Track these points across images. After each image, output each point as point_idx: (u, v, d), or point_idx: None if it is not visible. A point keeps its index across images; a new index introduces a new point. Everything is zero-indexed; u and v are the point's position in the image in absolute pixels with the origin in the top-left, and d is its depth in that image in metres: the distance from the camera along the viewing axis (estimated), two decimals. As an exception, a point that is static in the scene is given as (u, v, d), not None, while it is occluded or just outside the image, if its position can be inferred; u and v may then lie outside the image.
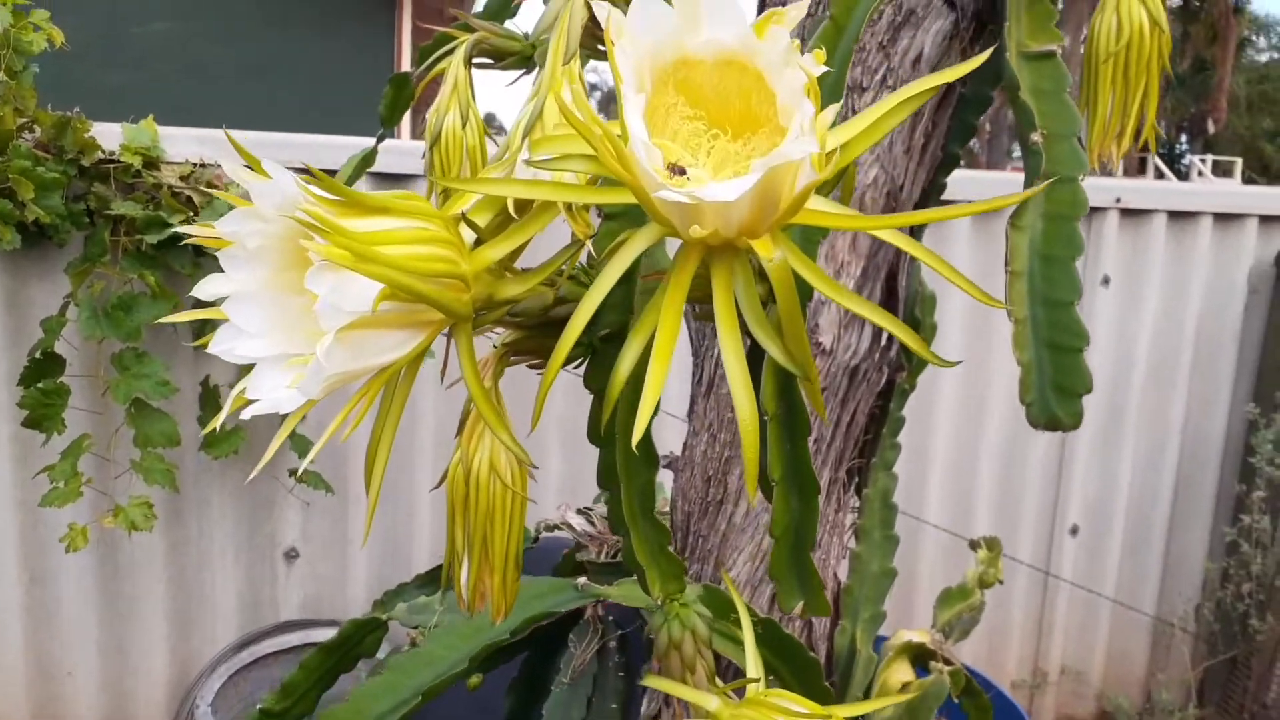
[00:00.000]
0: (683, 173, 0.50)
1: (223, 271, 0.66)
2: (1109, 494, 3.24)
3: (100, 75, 5.89)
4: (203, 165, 2.38)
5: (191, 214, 2.29)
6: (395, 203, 0.67)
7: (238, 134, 2.57)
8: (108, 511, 2.24)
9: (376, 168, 1.97)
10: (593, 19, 0.82)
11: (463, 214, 0.74)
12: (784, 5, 0.49)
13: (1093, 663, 3.34)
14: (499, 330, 0.90)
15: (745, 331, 0.75)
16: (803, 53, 0.48)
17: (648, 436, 0.93)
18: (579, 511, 1.82)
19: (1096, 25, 1.06)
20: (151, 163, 2.30)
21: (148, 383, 2.21)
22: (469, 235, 0.77)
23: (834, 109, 0.46)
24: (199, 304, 0.71)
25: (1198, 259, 3.15)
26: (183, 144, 2.41)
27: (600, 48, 0.86)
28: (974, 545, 2.00)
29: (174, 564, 2.74)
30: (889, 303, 1.27)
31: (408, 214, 0.67)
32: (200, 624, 2.78)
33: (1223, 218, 3.14)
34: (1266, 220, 3.15)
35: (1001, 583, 1.82)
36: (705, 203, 0.46)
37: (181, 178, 2.34)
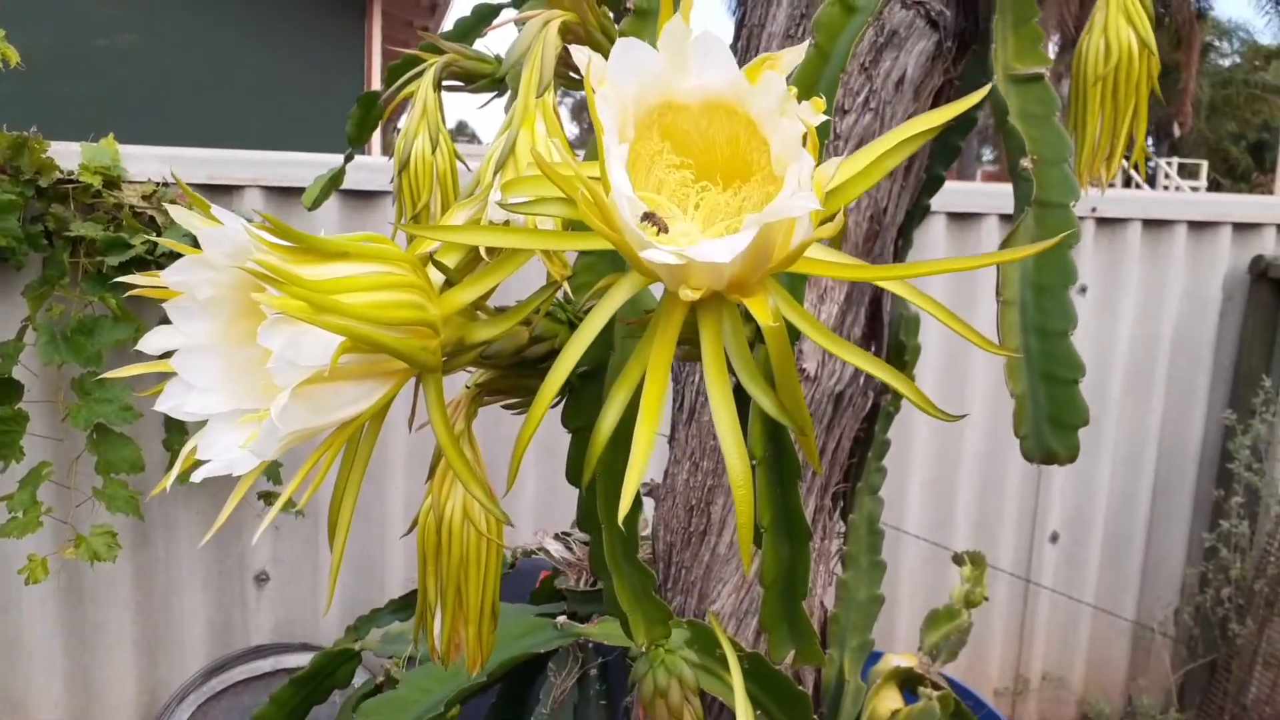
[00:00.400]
0: (665, 229, 0.46)
1: (171, 321, 0.61)
2: (1088, 500, 3.24)
3: (61, 89, 5.77)
4: (165, 184, 2.32)
5: (154, 234, 2.22)
6: (356, 246, 0.62)
7: (202, 152, 2.51)
8: (69, 542, 2.17)
9: (346, 184, 1.93)
10: (567, 48, 0.78)
11: (430, 255, 0.70)
12: (771, 49, 0.45)
13: (1074, 668, 3.33)
14: (471, 368, 0.85)
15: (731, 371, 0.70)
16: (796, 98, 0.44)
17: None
18: (556, 537, 1.77)
19: (1084, 47, 1.03)
20: (112, 182, 2.23)
21: (110, 408, 2.14)
22: (437, 276, 0.73)
23: (835, 162, 0.43)
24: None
25: (1173, 267, 3.16)
26: (145, 162, 2.35)
27: (574, 75, 0.82)
28: (958, 560, 1.98)
29: (140, 589, 2.66)
30: (873, 326, 1.24)
31: (370, 258, 0.63)
32: (168, 650, 2.71)
33: (1197, 226, 3.14)
34: (1240, 228, 3.16)
35: (987, 599, 1.79)
36: (697, 262, 0.43)
37: (144, 197, 2.27)
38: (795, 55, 0.43)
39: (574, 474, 0.89)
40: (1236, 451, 2.99)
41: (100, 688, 2.67)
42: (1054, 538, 3.24)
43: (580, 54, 0.44)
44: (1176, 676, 3.19)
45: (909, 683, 1.47)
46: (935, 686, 1.43)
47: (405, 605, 1.95)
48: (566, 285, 0.70)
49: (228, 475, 0.61)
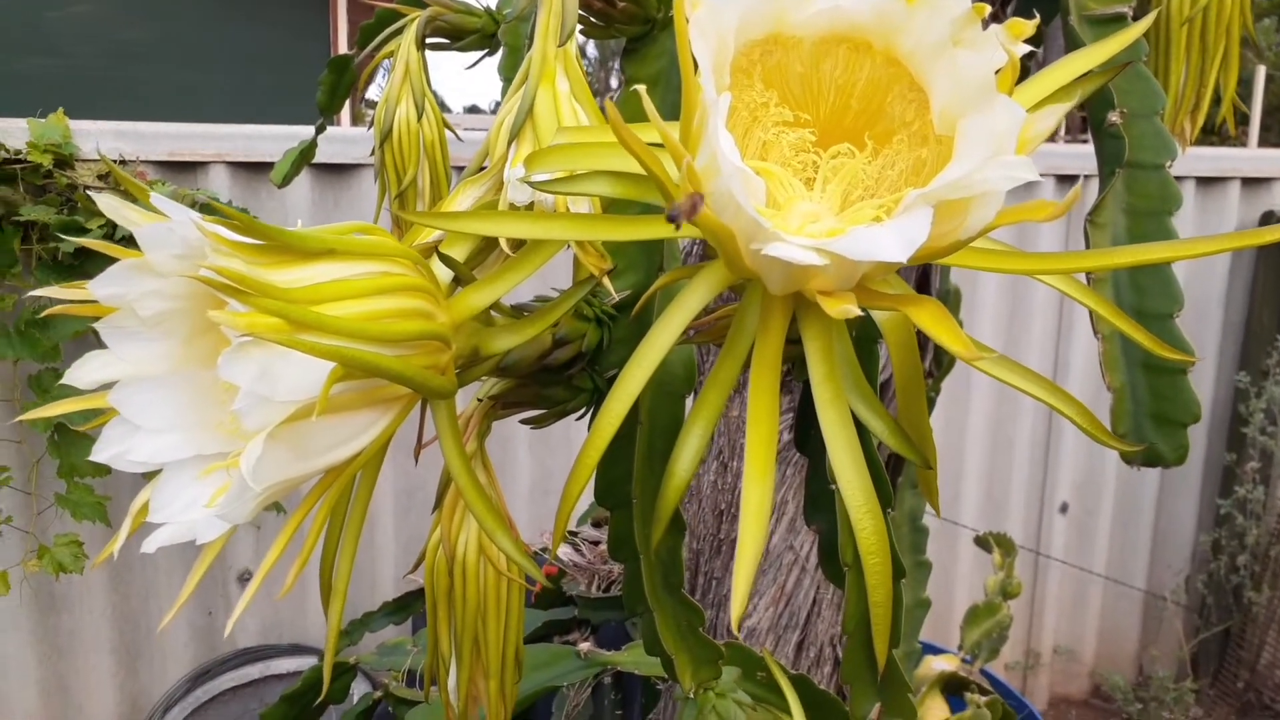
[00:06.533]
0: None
1: (108, 346, 0.48)
2: (1097, 468, 3.15)
3: (10, 64, 5.51)
4: (123, 162, 2.15)
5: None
6: (343, 240, 0.49)
7: (161, 127, 2.31)
8: (31, 553, 2.02)
9: (317, 158, 1.78)
10: (590, -17, 0.64)
11: (434, 246, 0.56)
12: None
13: (1085, 640, 3.26)
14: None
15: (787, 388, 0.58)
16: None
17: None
18: (563, 538, 1.66)
19: (1168, -21, 0.90)
20: (64, 161, 2.06)
21: (72, 406, 1.99)
22: (441, 271, 0.59)
23: (1059, 109, 0.30)
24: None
25: (1181, 224, 3.01)
26: (99, 139, 2.17)
27: (597, 22, 0.68)
28: (983, 544, 1.87)
29: (116, 593, 2.52)
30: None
31: (362, 254, 0.49)
32: (149, 656, 2.58)
33: (1205, 181, 3.03)
34: (1249, 183, 3.06)
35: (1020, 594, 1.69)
36: (847, 260, 0.29)
37: (99, 177, 2.10)
38: (983, -41, 0.30)
39: (607, 491, 0.76)
40: (1251, 415, 2.90)
41: (79, 697, 2.53)
42: (1064, 508, 3.15)
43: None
44: (1190, 645, 3.13)
45: (952, 686, 1.36)
46: (981, 690, 1.32)
47: (400, 608, 1.83)
48: (607, 280, 0.56)
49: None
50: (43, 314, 0.47)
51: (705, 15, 0.31)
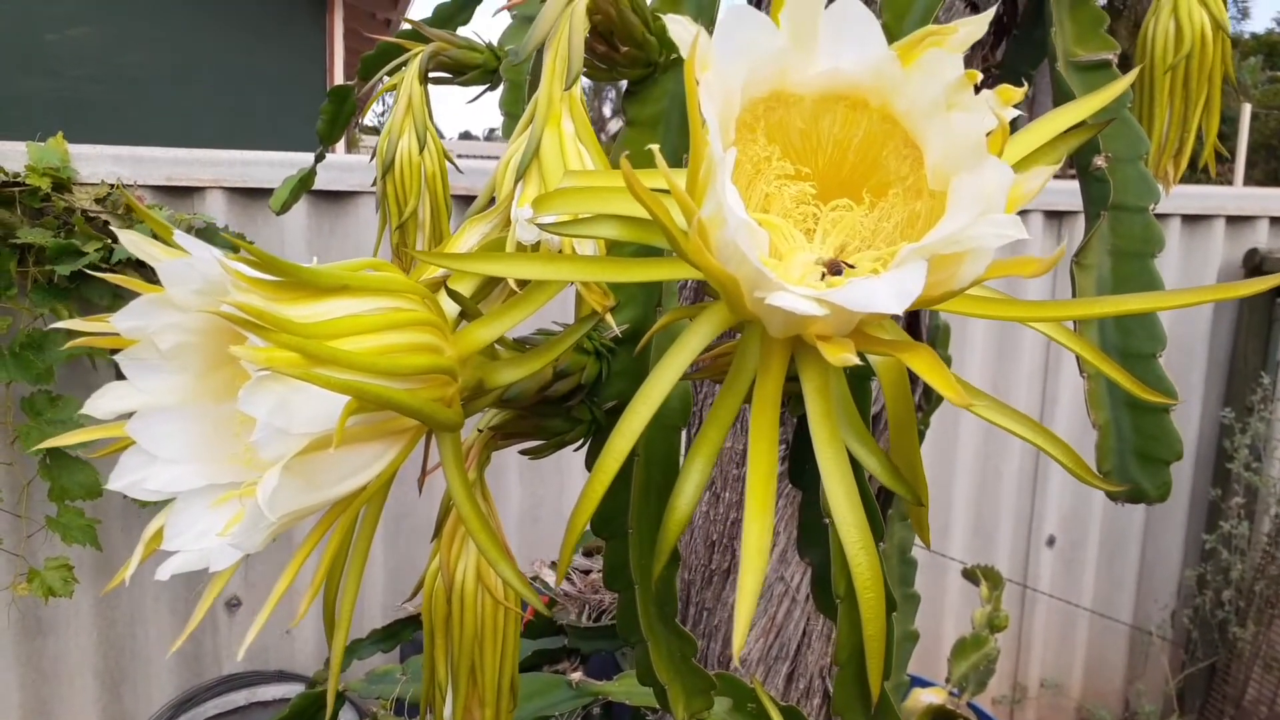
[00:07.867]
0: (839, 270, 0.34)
1: (126, 376, 0.49)
2: (1084, 503, 3.17)
3: (8, 87, 5.54)
4: (125, 185, 2.17)
5: (109, 241, 2.07)
6: (356, 277, 0.50)
7: (160, 151, 2.32)
8: (20, 576, 2.01)
9: (315, 185, 1.80)
10: (594, 31, 0.66)
11: (444, 282, 0.58)
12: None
13: (1072, 674, 3.27)
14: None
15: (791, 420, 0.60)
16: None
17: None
18: (554, 566, 1.66)
19: (1151, 30, 0.93)
20: (62, 185, 2.07)
21: (64, 429, 1.99)
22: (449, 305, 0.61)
23: (1046, 172, 0.31)
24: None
25: (1167, 260, 3.09)
26: (97, 163, 2.19)
27: (601, 65, 0.70)
28: (971, 577, 1.89)
29: (102, 617, 2.51)
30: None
31: (374, 291, 0.51)
32: (134, 682, 2.56)
33: (1191, 219, 3.08)
34: (1233, 221, 3.11)
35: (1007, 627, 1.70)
36: (845, 309, 0.31)
37: (97, 200, 2.12)
38: (975, 28, 0.32)
39: (602, 522, 0.77)
40: (1235, 450, 2.93)
41: (60, 723, 2.51)
42: (1051, 541, 3.17)
43: (680, 27, 0.32)
44: (1176, 680, 3.13)
45: (939, 719, 1.37)
46: (969, 723, 1.33)
47: (389, 636, 1.82)
48: (610, 317, 0.58)
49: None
50: (67, 346, 0.48)
51: (713, 77, 0.33)
